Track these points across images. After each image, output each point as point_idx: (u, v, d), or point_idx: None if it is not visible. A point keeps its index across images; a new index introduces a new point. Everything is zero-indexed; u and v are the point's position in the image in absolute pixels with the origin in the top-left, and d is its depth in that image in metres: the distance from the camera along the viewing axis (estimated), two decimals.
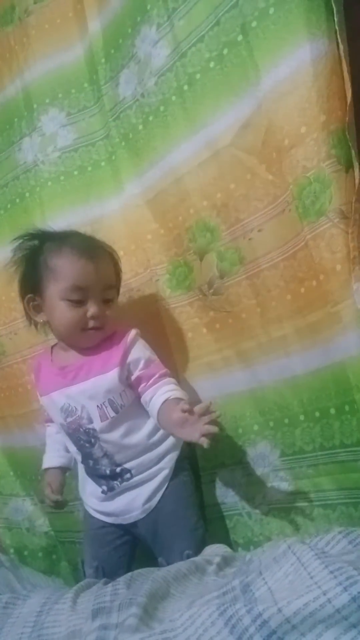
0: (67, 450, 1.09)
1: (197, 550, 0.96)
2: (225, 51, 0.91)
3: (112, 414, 0.98)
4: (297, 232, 0.88)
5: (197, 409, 0.82)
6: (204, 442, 0.80)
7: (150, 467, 1.01)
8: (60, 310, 0.97)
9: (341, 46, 0.78)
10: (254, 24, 0.86)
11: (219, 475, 1.08)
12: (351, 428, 0.88)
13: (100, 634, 0.66)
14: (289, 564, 0.67)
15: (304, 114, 0.82)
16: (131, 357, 0.99)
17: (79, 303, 0.96)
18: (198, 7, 0.94)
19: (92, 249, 0.98)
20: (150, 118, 1.06)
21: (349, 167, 0.80)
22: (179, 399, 0.93)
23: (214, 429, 0.80)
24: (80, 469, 1.08)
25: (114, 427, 0.99)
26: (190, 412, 0.83)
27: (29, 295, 1.01)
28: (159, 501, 1.01)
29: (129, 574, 0.86)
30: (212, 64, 0.94)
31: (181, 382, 1.08)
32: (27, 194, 1.26)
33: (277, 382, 0.97)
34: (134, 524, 1.03)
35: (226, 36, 0.90)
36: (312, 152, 0.82)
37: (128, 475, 1.01)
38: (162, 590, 0.75)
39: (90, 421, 0.99)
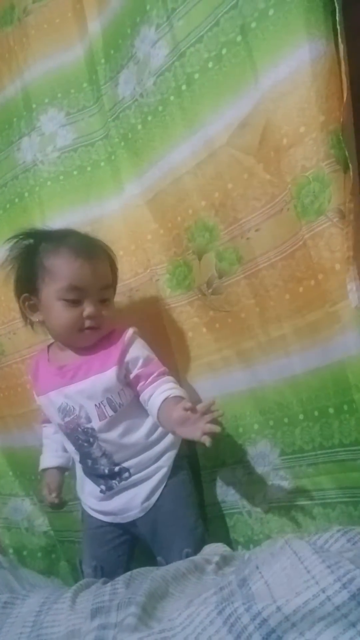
0: (65, 450, 1.09)
1: (197, 549, 0.96)
2: (224, 51, 0.91)
3: (111, 412, 0.98)
4: (295, 231, 0.88)
5: (200, 407, 0.82)
6: (206, 441, 0.80)
7: (149, 466, 1.01)
8: (57, 310, 0.97)
9: (341, 46, 0.78)
10: (253, 24, 0.86)
11: (219, 474, 1.08)
12: (350, 427, 0.88)
13: (99, 634, 0.66)
14: (285, 558, 0.67)
15: (303, 113, 0.82)
16: (129, 355, 0.98)
17: (76, 303, 0.96)
18: (197, 7, 0.94)
19: (88, 249, 0.98)
20: (149, 118, 1.06)
21: (347, 167, 0.80)
22: (178, 397, 0.92)
23: (216, 427, 0.80)
24: (78, 468, 1.08)
25: (113, 426, 0.99)
26: (192, 410, 0.83)
27: (24, 295, 1.01)
28: (158, 500, 1.01)
29: (128, 573, 0.86)
30: (210, 64, 0.94)
31: (182, 381, 1.08)
32: (26, 194, 1.26)
33: (277, 381, 0.97)
34: (133, 523, 1.03)
35: (225, 36, 0.91)
36: (311, 152, 0.82)
37: (127, 474, 1.01)
38: (161, 589, 0.75)
39: (89, 420, 0.99)
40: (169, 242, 1.08)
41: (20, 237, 1.02)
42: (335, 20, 0.78)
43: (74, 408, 1.00)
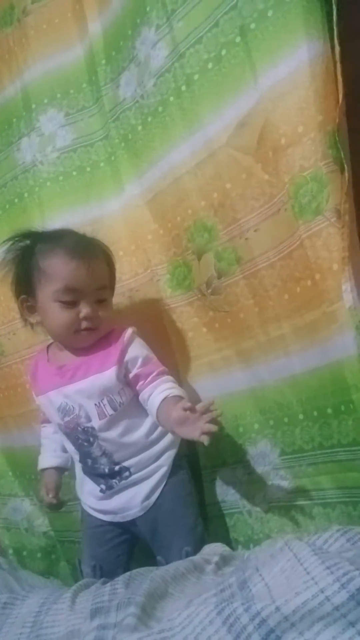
0: (64, 450, 1.09)
1: (196, 548, 0.96)
2: (223, 52, 0.91)
3: (111, 411, 0.98)
4: (293, 231, 0.88)
5: (199, 406, 0.82)
6: (205, 440, 0.80)
7: (149, 465, 1.01)
8: (53, 312, 0.97)
9: (337, 47, 0.78)
10: (252, 25, 0.86)
11: (220, 474, 1.08)
12: (348, 428, 0.88)
13: (98, 634, 0.66)
14: (285, 560, 0.67)
15: (301, 113, 0.82)
16: (129, 355, 0.98)
17: (72, 304, 0.95)
18: (197, 8, 0.94)
19: (84, 249, 0.97)
20: (149, 119, 1.06)
21: (343, 167, 0.80)
22: (178, 397, 0.93)
23: (214, 427, 0.80)
24: (78, 468, 1.08)
25: (113, 425, 0.99)
26: (191, 410, 0.83)
27: (22, 297, 1.01)
28: (158, 499, 1.01)
29: (128, 573, 0.86)
30: (210, 65, 0.94)
31: (182, 381, 1.09)
32: (26, 194, 1.26)
33: (277, 381, 0.97)
34: (133, 522, 1.03)
35: (225, 37, 0.91)
36: (310, 152, 0.82)
37: (127, 473, 1.01)
38: (161, 589, 0.75)
39: (89, 420, 0.99)
40: (169, 242, 1.08)
41: (17, 238, 1.01)
42: (333, 20, 0.78)
43: (73, 407, 1.00)
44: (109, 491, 1.03)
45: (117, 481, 1.02)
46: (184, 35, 0.96)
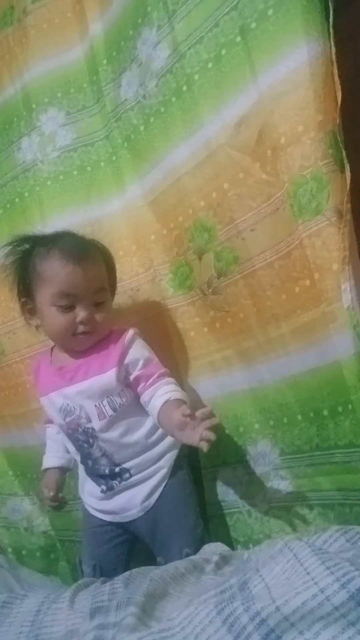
0: (67, 451, 1.09)
1: (196, 549, 0.96)
2: (223, 52, 0.91)
3: (111, 412, 0.98)
4: (292, 231, 0.88)
5: (199, 413, 0.82)
6: (204, 446, 0.80)
7: (149, 466, 1.01)
8: (50, 316, 0.97)
9: (334, 48, 0.78)
10: (253, 25, 0.86)
11: (220, 473, 1.08)
12: (344, 429, 0.87)
13: (98, 633, 0.66)
14: (285, 560, 0.67)
15: (301, 113, 0.82)
16: (129, 357, 0.98)
17: (68, 308, 0.95)
18: (198, 9, 0.94)
19: (80, 252, 0.96)
20: (152, 119, 1.06)
21: (343, 167, 0.80)
22: (179, 401, 0.92)
23: (212, 435, 0.79)
24: (80, 468, 1.08)
25: (113, 426, 0.99)
26: (191, 416, 0.83)
27: (22, 300, 1.02)
28: (158, 499, 1.01)
29: (127, 572, 0.86)
30: (210, 65, 0.94)
31: (183, 381, 1.09)
32: (26, 194, 1.26)
33: (277, 381, 0.97)
34: (133, 523, 1.03)
35: (225, 37, 0.91)
36: (309, 151, 0.82)
37: (127, 474, 1.01)
38: (160, 589, 0.75)
39: (89, 420, 0.99)
40: (171, 242, 1.08)
41: (16, 243, 1.01)
42: (334, 20, 0.78)
43: (74, 408, 1.00)
44: (109, 492, 1.03)
45: (117, 482, 1.02)
46: (185, 35, 0.96)
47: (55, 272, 0.95)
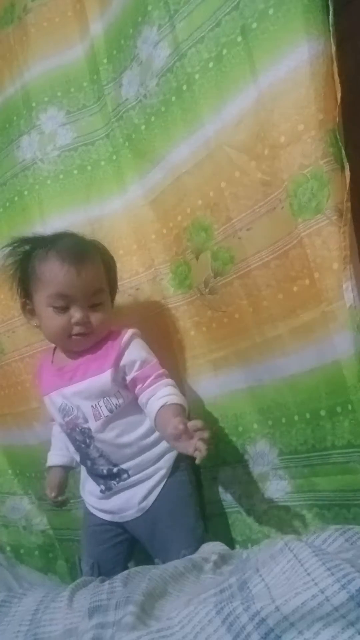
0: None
1: (195, 551, 0.95)
2: (224, 52, 0.91)
3: (106, 413, 0.98)
4: (290, 230, 0.87)
5: (191, 425, 0.81)
6: (197, 457, 0.79)
7: (148, 467, 1.01)
8: (47, 317, 0.97)
9: (333, 47, 0.78)
10: (254, 25, 0.86)
11: (220, 473, 1.08)
12: (343, 430, 0.87)
13: (97, 633, 0.65)
14: (285, 561, 0.66)
15: (302, 112, 0.82)
16: (125, 359, 0.98)
17: (64, 309, 0.95)
18: (199, 9, 0.94)
19: (77, 254, 0.96)
20: (152, 119, 1.06)
21: (343, 166, 0.80)
22: (176, 405, 0.92)
23: (204, 449, 0.79)
24: (82, 467, 1.08)
25: (109, 426, 0.98)
26: (184, 431, 0.81)
27: (22, 300, 1.02)
28: (156, 500, 1.00)
29: (126, 571, 0.85)
30: (211, 64, 0.94)
31: (182, 381, 1.08)
32: (26, 192, 1.26)
33: (275, 381, 0.97)
34: (131, 523, 1.03)
35: (226, 37, 0.91)
36: (310, 150, 0.82)
37: (125, 475, 1.01)
38: (159, 588, 0.75)
39: (86, 421, 0.99)
40: (171, 241, 1.08)
41: (16, 244, 1.01)
42: (334, 19, 0.78)
43: (72, 408, 1.00)
44: (108, 492, 1.03)
45: (115, 482, 1.02)
46: (186, 35, 0.96)
47: (51, 273, 0.95)
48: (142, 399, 0.97)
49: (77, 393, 0.99)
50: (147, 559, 1.02)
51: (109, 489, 1.02)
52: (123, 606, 0.70)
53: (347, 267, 0.81)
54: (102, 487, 1.03)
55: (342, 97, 0.79)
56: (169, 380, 0.97)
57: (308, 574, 0.60)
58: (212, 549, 0.91)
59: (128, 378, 0.98)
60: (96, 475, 1.04)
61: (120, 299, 1.13)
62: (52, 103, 1.22)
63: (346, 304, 0.81)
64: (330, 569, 0.59)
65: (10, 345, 1.31)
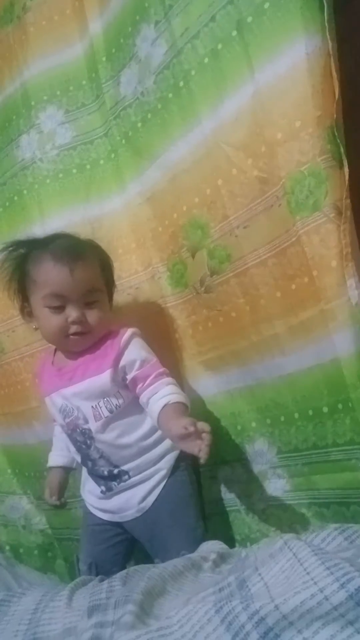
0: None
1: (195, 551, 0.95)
2: (219, 46, 0.91)
3: (107, 413, 0.98)
4: (288, 227, 0.87)
5: (200, 426, 0.81)
6: (202, 457, 0.80)
7: (149, 468, 1.00)
8: (44, 318, 0.97)
9: (330, 43, 0.78)
10: (249, 19, 0.86)
11: (219, 472, 1.08)
12: (344, 427, 0.87)
13: (96, 632, 0.65)
14: (285, 560, 0.66)
15: (299, 108, 0.81)
16: (125, 358, 0.98)
17: (59, 309, 0.96)
18: (194, 3, 0.93)
19: (70, 254, 0.96)
20: (149, 116, 1.06)
21: (342, 163, 0.80)
22: (178, 404, 0.92)
23: (207, 450, 0.79)
24: (83, 468, 1.08)
25: (109, 427, 0.98)
26: (195, 431, 0.81)
27: (20, 303, 1.02)
28: (156, 500, 1.00)
29: (125, 570, 0.85)
30: (206, 60, 0.93)
31: (181, 379, 1.08)
32: (25, 192, 1.26)
33: (273, 379, 0.96)
34: (131, 523, 1.03)
35: (221, 32, 0.90)
36: (307, 147, 0.81)
37: (126, 476, 1.01)
38: (158, 587, 0.75)
39: (86, 421, 0.99)
40: (167, 240, 1.08)
41: (11, 248, 1.02)
42: (332, 15, 0.78)
43: (72, 409, 1.00)
44: (108, 492, 1.03)
45: (116, 483, 1.01)
46: (182, 30, 0.96)
47: (45, 274, 0.96)
48: (143, 398, 0.96)
49: (76, 394, 0.99)
50: (146, 559, 1.02)
51: (109, 489, 1.02)
52: (122, 605, 0.70)
53: (349, 264, 0.80)
54: (103, 487, 1.03)
55: (342, 97, 0.78)
56: (170, 379, 0.97)
57: (307, 573, 0.60)
58: (211, 547, 0.91)
59: (128, 377, 0.98)
60: (97, 477, 1.04)
61: (120, 298, 1.13)
62: (51, 102, 1.22)
63: (351, 301, 0.81)
64: (329, 568, 0.59)
65: (10, 345, 1.31)
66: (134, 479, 1.00)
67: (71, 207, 1.20)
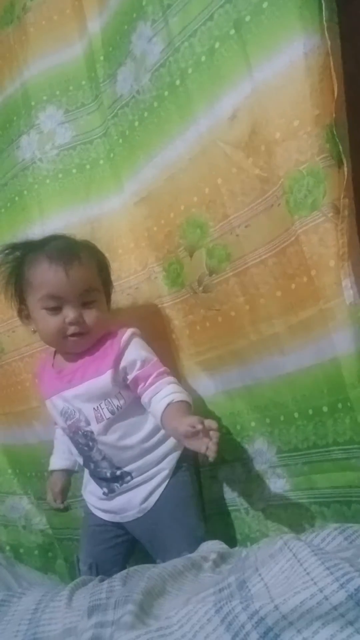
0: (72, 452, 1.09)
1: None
2: (217, 45, 0.91)
3: (108, 415, 0.97)
4: (287, 227, 0.87)
5: (207, 423, 0.81)
6: (210, 455, 0.79)
7: (151, 469, 1.00)
8: (41, 319, 0.97)
9: (328, 42, 0.77)
10: (247, 18, 0.85)
11: (218, 471, 1.08)
12: (344, 426, 0.87)
13: (96, 632, 0.65)
14: (285, 560, 0.66)
15: (297, 107, 0.81)
16: (126, 359, 0.97)
17: (56, 310, 0.95)
18: (193, 3, 0.93)
19: (65, 255, 0.96)
20: (146, 114, 1.06)
21: (341, 162, 0.80)
22: (182, 402, 0.91)
23: (216, 448, 0.79)
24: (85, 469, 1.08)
25: (111, 429, 0.98)
26: (202, 429, 0.81)
27: (18, 306, 1.02)
28: (158, 501, 1.00)
29: (125, 570, 0.85)
30: (203, 58, 0.93)
31: (180, 379, 1.08)
32: (25, 192, 1.26)
33: (272, 379, 0.96)
34: (132, 524, 1.03)
35: (219, 30, 0.90)
36: (306, 146, 0.81)
37: (128, 477, 1.01)
38: (158, 587, 0.75)
39: (88, 423, 0.99)
40: (163, 239, 1.08)
41: (6, 251, 1.01)
42: (332, 14, 0.77)
43: (73, 412, 1.00)
44: (111, 494, 1.03)
45: (118, 485, 1.01)
46: (179, 29, 0.96)
47: (41, 276, 0.96)
48: (144, 398, 0.96)
49: (77, 396, 0.99)
50: (146, 559, 1.01)
51: (112, 491, 1.02)
52: (122, 605, 0.70)
53: (345, 264, 0.80)
54: (105, 489, 1.03)
55: (343, 97, 0.78)
56: (171, 378, 0.97)
57: (307, 573, 0.60)
58: (212, 547, 0.91)
59: (129, 378, 0.97)
60: (99, 479, 1.03)
61: (119, 298, 1.13)
62: (51, 102, 1.22)
63: (346, 301, 0.81)
64: (329, 568, 0.59)
65: (10, 345, 1.31)
66: (136, 480, 1.00)
67: (71, 207, 1.20)
